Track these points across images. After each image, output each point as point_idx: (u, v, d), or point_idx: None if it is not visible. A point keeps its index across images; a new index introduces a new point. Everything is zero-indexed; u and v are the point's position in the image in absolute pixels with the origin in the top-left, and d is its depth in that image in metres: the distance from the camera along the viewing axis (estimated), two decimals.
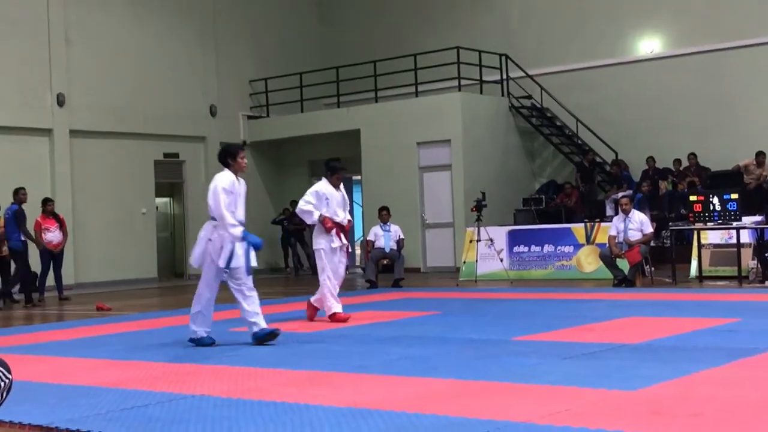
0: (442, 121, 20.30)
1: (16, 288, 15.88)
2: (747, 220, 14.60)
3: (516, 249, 17.24)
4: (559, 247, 16.78)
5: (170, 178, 22.09)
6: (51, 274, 16.01)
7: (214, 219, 8.40)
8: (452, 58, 20.59)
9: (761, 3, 19.43)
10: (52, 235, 16.03)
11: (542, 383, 5.90)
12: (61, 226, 16.23)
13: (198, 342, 8.50)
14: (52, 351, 8.80)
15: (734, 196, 14.21)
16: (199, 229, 8.74)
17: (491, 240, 16.57)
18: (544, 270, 16.80)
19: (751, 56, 19.48)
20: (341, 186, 10.59)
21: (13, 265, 15.65)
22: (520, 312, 10.88)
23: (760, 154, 18.28)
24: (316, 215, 10.22)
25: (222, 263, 8.28)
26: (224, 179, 8.41)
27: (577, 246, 16.50)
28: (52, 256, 16.04)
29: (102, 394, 6.17)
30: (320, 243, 10.33)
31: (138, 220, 21.00)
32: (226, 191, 8.32)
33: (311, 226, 10.90)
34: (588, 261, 16.33)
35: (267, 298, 14.79)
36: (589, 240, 16.45)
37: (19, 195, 15.38)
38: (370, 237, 16.64)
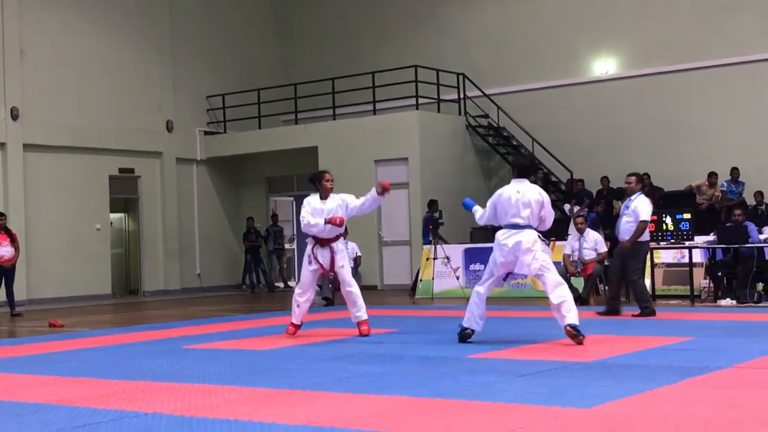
0: (399, 139, 20.35)
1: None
2: (699, 239, 14.79)
3: (472, 267, 17.31)
4: None
5: (125, 194, 21.88)
6: (2, 289, 15.79)
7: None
8: (410, 77, 20.68)
9: (713, 25, 19.76)
10: (4, 250, 15.82)
11: (497, 401, 5.91)
12: (13, 241, 16.02)
13: None
14: (2, 368, 8.65)
15: (687, 216, 14.41)
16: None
17: (448, 258, 16.62)
18: (500, 288, 16.74)
19: (704, 77, 19.79)
20: (332, 196, 10.46)
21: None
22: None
23: (712, 175, 18.55)
24: (321, 222, 10.12)
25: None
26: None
27: None
28: (4, 272, 15.83)
29: (53, 411, 6.08)
30: (305, 256, 10.37)
31: (92, 235, 20.76)
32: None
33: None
34: None
35: (226, 315, 14.72)
36: None
37: None
38: None
